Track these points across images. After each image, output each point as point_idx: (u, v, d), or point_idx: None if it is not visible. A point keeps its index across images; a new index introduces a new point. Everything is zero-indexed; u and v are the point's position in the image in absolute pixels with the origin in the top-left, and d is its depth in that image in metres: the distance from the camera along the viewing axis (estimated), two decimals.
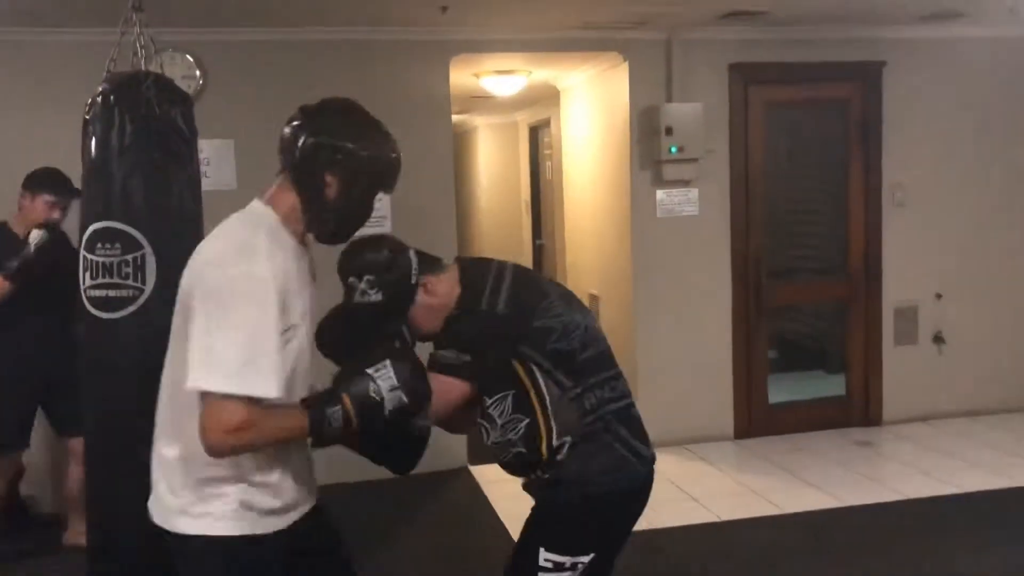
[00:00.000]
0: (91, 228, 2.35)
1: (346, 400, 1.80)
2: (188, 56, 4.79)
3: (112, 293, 2.33)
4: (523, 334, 2.23)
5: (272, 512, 1.87)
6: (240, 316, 1.72)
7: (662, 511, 4.55)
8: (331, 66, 5.01)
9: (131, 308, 2.32)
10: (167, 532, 1.86)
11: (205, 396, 1.70)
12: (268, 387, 1.71)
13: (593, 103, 6.20)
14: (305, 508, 1.99)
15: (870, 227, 5.78)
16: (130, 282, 2.32)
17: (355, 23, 4.86)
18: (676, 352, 5.50)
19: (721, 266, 5.57)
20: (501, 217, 9.42)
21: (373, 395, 1.81)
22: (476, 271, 2.34)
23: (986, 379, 5.94)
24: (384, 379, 1.83)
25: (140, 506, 1.89)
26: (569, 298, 2.43)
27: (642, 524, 4.54)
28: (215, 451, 1.73)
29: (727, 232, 5.56)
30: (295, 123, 1.93)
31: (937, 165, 5.80)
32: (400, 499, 4.93)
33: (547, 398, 2.23)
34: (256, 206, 1.92)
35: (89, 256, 2.34)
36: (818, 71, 5.64)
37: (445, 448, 5.31)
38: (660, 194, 5.47)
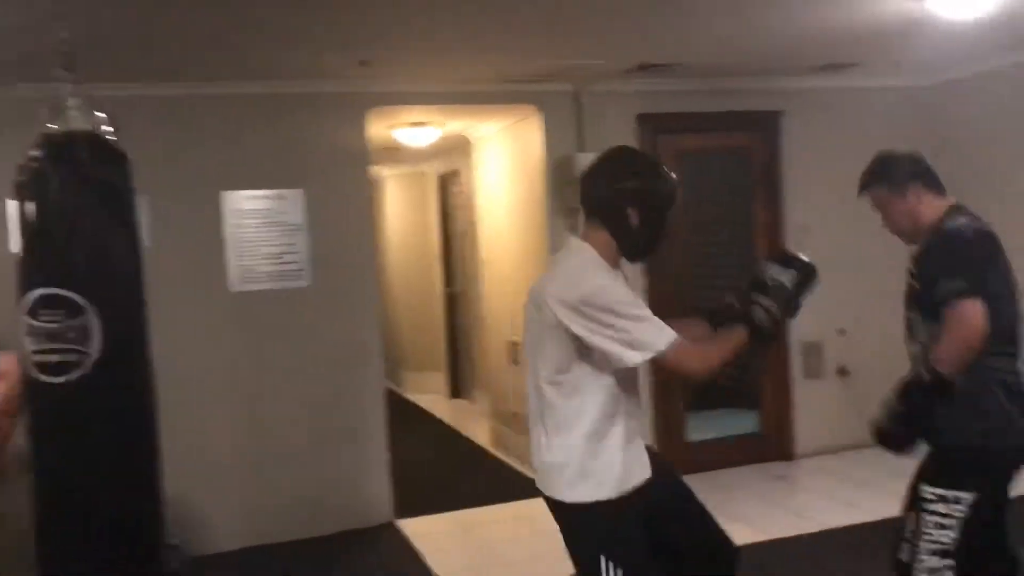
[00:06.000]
0: (34, 294, 2.28)
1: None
2: (98, 113, 4.67)
3: (57, 358, 2.28)
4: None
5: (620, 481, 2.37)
6: (622, 306, 2.29)
7: None
8: (249, 119, 4.98)
9: (77, 372, 2.27)
10: (554, 500, 2.42)
11: (659, 357, 2.30)
12: (670, 332, 2.29)
13: (507, 153, 6.31)
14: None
15: None
16: (75, 347, 2.27)
17: (273, 76, 4.84)
18: None
19: None
20: (411, 266, 9.42)
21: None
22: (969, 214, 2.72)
23: None
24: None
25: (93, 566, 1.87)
26: None
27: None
28: (697, 372, 2.42)
29: (643, 275, 5.70)
30: (590, 176, 2.47)
31: (835, 208, 6.09)
32: (325, 559, 4.81)
33: None
34: (576, 243, 2.47)
35: (33, 323, 2.27)
36: (721, 121, 5.90)
37: (369, 502, 5.24)
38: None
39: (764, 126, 5.99)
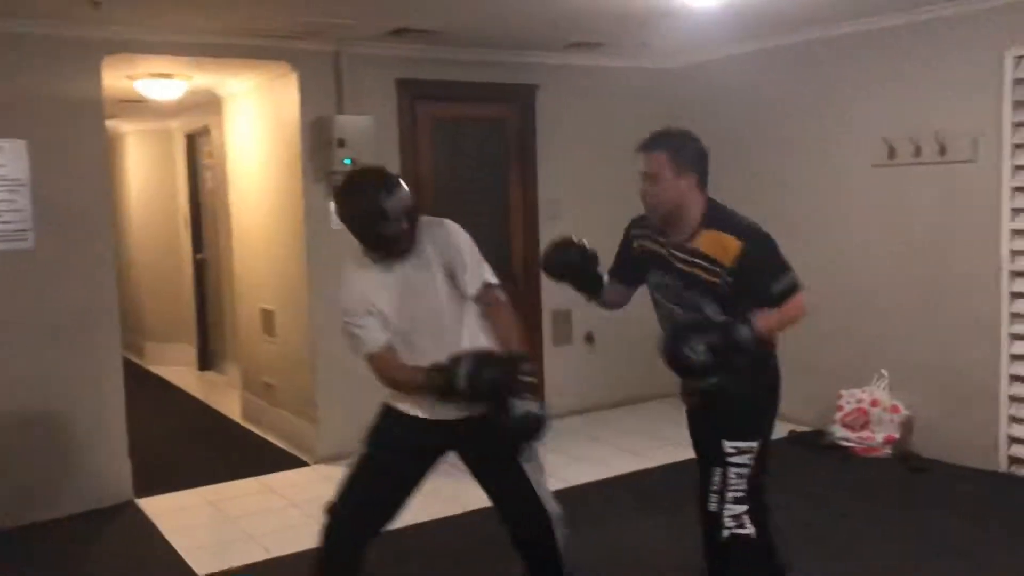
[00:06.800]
0: None
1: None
2: None
3: None
4: None
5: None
6: (346, 314, 3.01)
7: None
8: None
9: None
10: None
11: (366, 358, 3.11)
12: (374, 343, 3.05)
13: (260, 112, 6.04)
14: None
15: (528, 238, 6.23)
16: None
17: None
18: (355, 364, 5.48)
19: None
20: (156, 230, 8.82)
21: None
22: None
23: (628, 372, 6.63)
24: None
25: None
26: None
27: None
28: (384, 383, 3.14)
29: None
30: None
31: (584, 181, 6.39)
32: (59, 543, 4.45)
33: None
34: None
35: None
36: (479, 91, 5.98)
37: (105, 481, 4.90)
38: (334, 206, 5.45)
39: (519, 99, 6.13)
